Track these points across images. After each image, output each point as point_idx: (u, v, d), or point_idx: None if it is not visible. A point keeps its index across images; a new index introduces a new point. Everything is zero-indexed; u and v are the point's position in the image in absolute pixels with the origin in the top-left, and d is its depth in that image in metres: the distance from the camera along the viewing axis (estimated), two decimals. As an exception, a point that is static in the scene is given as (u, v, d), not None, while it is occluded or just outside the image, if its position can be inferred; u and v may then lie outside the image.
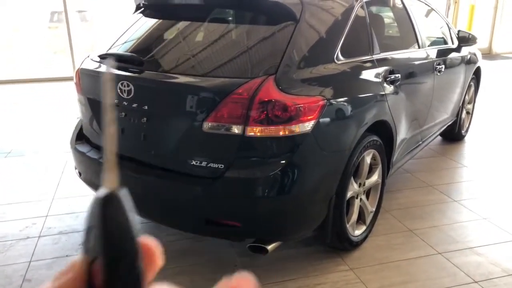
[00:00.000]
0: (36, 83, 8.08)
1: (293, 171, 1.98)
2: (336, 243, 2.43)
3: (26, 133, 5.00)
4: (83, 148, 2.48)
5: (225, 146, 2.00)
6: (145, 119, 2.19)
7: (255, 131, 1.92)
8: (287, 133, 1.93)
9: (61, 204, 3.17)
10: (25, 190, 3.41)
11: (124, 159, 2.36)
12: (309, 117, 1.97)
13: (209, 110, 1.97)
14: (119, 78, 2.22)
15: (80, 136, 2.60)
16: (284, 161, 1.95)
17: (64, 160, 4.04)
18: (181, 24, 2.60)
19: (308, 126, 1.97)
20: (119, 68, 2.30)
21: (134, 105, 2.17)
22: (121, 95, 2.19)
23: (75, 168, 2.67)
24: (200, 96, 2.05)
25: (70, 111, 5.50)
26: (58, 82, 7.64)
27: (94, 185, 2.46)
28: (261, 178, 1.94)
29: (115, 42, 2.60)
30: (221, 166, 1.96)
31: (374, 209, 2.72)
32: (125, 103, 2.19)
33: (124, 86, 2.17)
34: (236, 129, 1.94)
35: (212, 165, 1.99)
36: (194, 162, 2.03)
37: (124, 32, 2.74)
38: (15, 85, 8.02)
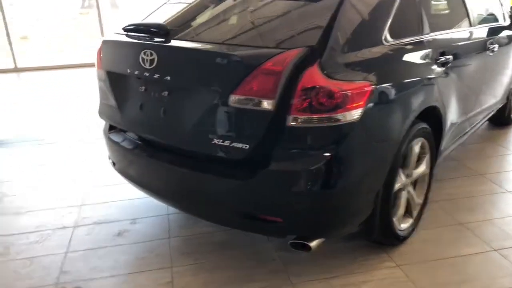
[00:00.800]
0: (68, 69, 8.15)
1: (339, 163, 1.83)
2: (382, 239, 2.28)
3: (60, 120, 5.02)
4: (117, 138, 2.40)
5: (253, 123, 1.84)
6: (166, 92, 2.07)
7: (297, 120, 1.78)
8: (333, 122, 1.78)
9: (95, 193, 3.13)
10: (60, 178, 3.40)
11: (145, 144, 2.29)
12: (356, 105, 1.81)
13: (238, 82, 1.82)
14: (142, 46, 2.11)
15: (113, 125, 2.52)
16: (329, 153, 1.80)
17: (98, 147, 4.02)
18: None
19: (355, 114, 1.81)
20: (142, 38, 2.20)
21: (156, 75, 2.04)
22: (143, 65, 2.07)
23: (109, 158, 2.60)
24: (229, 66, 1.89)
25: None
26: (90, 68, 7.64)
27: (129, 176, 2.38)
28: (305, 171, 1.80)
29: (144, 19, 2.55)
30: (246, 146, 1.82)
31: (421, 201, 2.54)
32: (146, 74, 2.07)
33: (147, 55, 2.06)
34: (266, 104, 1.79)
35: (236, 144, 1.85)
36: (217, 141, 1.89)
37: (153, 12, 2.64)
38: (47, 71, 8.12)
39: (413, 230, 2.49)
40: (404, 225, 2.40)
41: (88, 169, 3.56)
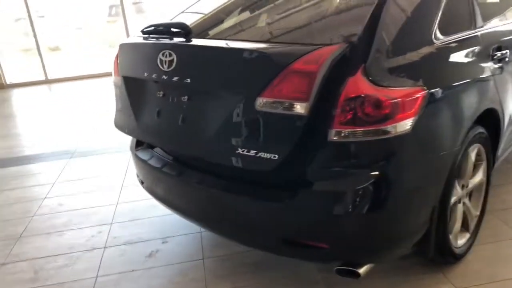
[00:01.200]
0: (97, 79, 8.19)
1: (390, 181, 1.61)
2: (438, 258, 2.04)
3: (89, 131, 4.98)
4: (144, 155, 2.26)
5: (284, 130, 1.64)
6: (185, 97, 1.90)
7: (341, 134, 1.58)
8: (381, 135, 1.57)
9: (124, 210, 3.02)
10: (89, 194, 3.31)
11: (174, 162, 2.14)
12: (408, 114, 1.59)
13: (266, 83, 1.63)
14: (160, 47, 1.95)
15: (140, 141, 2.38)
16: (379, 170, 1.59)
17: (126, 161, 3.93)
18: None
19: (406, 124, 1.59)
20: (162, 39, 2.05)
21: (175, 78, 1.87)
22: (161, 67, 1.91)
23: (137, 176, 2.47)
24: (255, 65, 1.69)
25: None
26: (118, 77, 7.66)
27: (158, 196, 2.23)
28: (352, 192, 1.60)
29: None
30: (275, 157, 1.61)
31: (478, 213, 2.29)
32: (164, 77, 1.91)
33: (165, 57, 1.90)
34: (299, 108, 1.58)
35: (263, 154, 1.65)
36: (241, 151, 1.69)
37: (177, 15, 2.49)
38: (77, 81, 8.18)
39: (470, 246, 2.24)
40: (460, 241, 2.15)
41: (118, 183, 3.46)
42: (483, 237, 2.35)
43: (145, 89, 2.13)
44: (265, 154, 1.65)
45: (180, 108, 1.94)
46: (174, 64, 1.88)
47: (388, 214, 1.64)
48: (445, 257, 2.07)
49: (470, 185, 2.16)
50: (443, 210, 1.87)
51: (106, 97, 6.55)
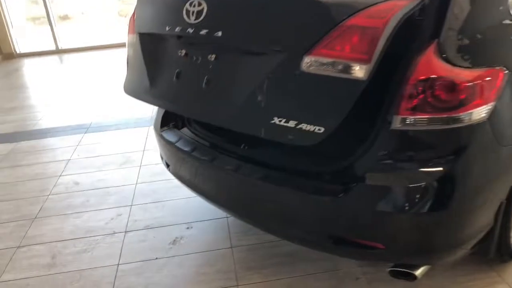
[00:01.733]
0: (110, 49, 7.94)
1: (460, 176, 1.40)
2: (496, 257, 1.85)
3: (104, 104, 4.79)
4: (171, 136, 2.06)
5: (335, 97, 1.38)
6: (213, 56, 1.65)
7: (406, 122, 1.36)
8: (453, 124, 1.35)
9: (145, 190, 2.85)
10: (107, 173, 3.14)
11: (206, 145, 1.93)
12: (485, 99, 1.36)
13: (317, 38, 1.37)
14: None
15: (166, 119, 2.18)
16: (447, 164, 1.38)
17: (144, 135, 3.75)
18: None
19: (483, 111, 1.36)
20: None
21: (203, 31, 1.62)
22: (187, 19, 1.66)
23: (161, 158, 2.28)
24: (305, 15, 1.43)
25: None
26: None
27: (186, 182, 2.04)
28: (416, 188, 1.39)
29: None
30: (320, 130, 1.36)
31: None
32: (190, 30, 1.65)
33: (194, 6, 1.64)
34: (357, 70, 1.32)
35: (305, 126, 1.39)
36: (278, 120, 1.44)
37: None
38: (89, 52, 7.94)
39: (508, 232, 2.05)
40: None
41: (136, 161, 3.29)
42: (538, 232, 2.15)
43: (164, 47, 1.89)
44: (308, 125, 1.38)
45: (205, 69, 1.68)
46: (203, 15, 1.62)
47: (454, 213, 1.43)
48: (503, 256, 1.88)
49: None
50: (509, 206, 1.67)
51: (119, 69, 6.33)
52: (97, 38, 8.47)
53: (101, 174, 3.12)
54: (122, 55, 7.54)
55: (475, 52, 1.42)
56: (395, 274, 1.58)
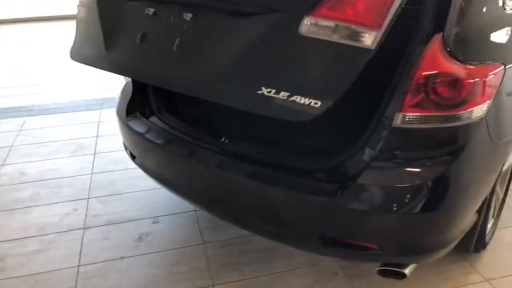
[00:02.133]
0: (49, 22, 7.32)
1: (457, 175, 1.37)
2: (472, 248, 1.88)
3: (48, 84, 4.39)
4: (139, 126, 1.87)
5: (336, 66, 1.23)
6: (189, 15, 1.45)
7: (407, 119, 1.29)
8: (454, 122, 1.30)
9: (102, 181, 2.63)
10: (57, 162, 2.87)
11: (183, 137, 1.75)
12: (486, 96, 1.33)
13: None
14: None
15: (132, 106, 1.98)
16: (446, 162, 1.34)
17: (97, 119, 3.47)
18: None
19: (483, 108, 1.33)
20: None
21: None
22: None
23: (125, 148, 2.08)
24: None
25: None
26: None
27: (157, 176, 1.87)
28: (415, 187, 1.34)
29: None
30: (316, 104, 1.19)
31: (502, 195, 2.14)
32: None
33: None
34: (365, 38, 1.19)
35: (299, 99, 1.21)
36: (266, 91, 1.24)
37: None
38: (27, 24, 7.28)
39: (494, 231, 2.10)
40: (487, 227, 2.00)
41: (90, 147, 3.03)
42: (504, 221, 2.22)
43: (126, 5, 1.68)
44: (302, 98, 1.20)
45: (177, 30, 1.48)
46: None
47: (451, 211, 1.41)
48: (477, 247, 1.91)
49: (505, 168, 1.98)
50: (491, 200, 1.69)
51: (64, 44, 5.85)
52: (37, 8, 7.77)
53: (50, 163, 2.85)
54: (67, 28, 6.97)
55: (479, 47, 1.37)
56: (384, 273, 1.54)
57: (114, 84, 4.13)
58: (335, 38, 1.22)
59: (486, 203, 1.65)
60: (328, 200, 1.39)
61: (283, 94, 1.24)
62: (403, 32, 1.31)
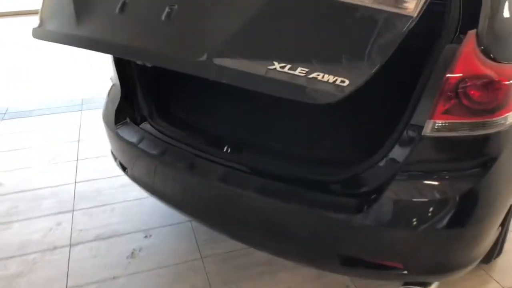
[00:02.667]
0: (22, 17, 6.96)
1: (490, 187, 1.26)
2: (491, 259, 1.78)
3: (23, 84, 4.13)
4: (131, 135, 1.69)
5: (367, 35, 1.03)
6: None
7: (440, 127, 1.17)
8: (488, 129, 1.18)
9: (87, 191, 2.43)
10: (36, 172, 2.65)
11: (182, 147, 1.58)
12: (525, 98, 1.21)
13: None
14: None
15: (121, 111, 1.80)
16: (478, 174, 1.22)
17: (77, 122, 3.26)
18: None
19: (515, 113, 1.22)
20: None
21: None
22: None
23: (115, 158, 1.90)
24: None
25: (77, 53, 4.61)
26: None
27: (153, 190, 1.70)
28: (450, 201, 1.22)
29: None
30: (344, 83, 0.99)
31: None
32: None
33: None
34: (406, 2, 1.02)
35: (322, 76, 1.01)
36: (280, 67, 1.05)
37: None
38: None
39: (505, 235, 2.02)
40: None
41: (71, 154, 2.82)
42: (513, 223, 2.14)
43: None
44: (325, 75, 1.01)
45: None
46: None
47: (481, 226, 1.29)
48: (495, 256, 1.82)
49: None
50: (510, 210, 1.59)
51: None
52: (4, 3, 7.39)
53: (28, 173, 2.63)
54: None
55: (509, 43, 1.25)
56: (407, 291, 1.43)
57: (96, 82, 3.93)
58: (367, 1, 1.04)
59: (509, 214, 1.55)
60: (350, 218, 1.25)
61: (300, 71, 1.03)
62: (428, 28, 1.19)
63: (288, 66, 1.04)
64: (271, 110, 1.67)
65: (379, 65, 0.99)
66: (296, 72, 1.04)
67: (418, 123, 1.19)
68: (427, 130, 1.17)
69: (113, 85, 1.93)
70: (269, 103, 1.57)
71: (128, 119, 1.78)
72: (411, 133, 1.21)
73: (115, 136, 1.74)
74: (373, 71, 0.99)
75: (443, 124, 1.17)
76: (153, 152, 1.59)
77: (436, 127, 1.17)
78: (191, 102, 1.87)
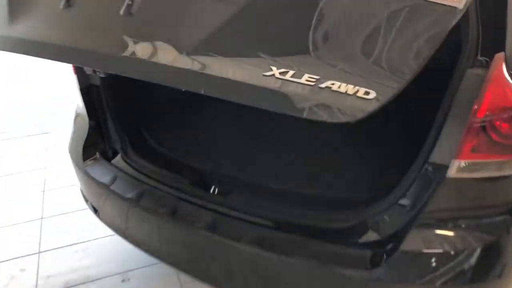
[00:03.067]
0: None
1: None
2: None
3: (24, 84, 3.81)
4: (102, 174, 1.46)
5: (402, 33, 0.83)
6: None
7: (467, 167, 1.00)
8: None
9: (54, 229, 2.18)
10: (-3, 205, 2.38)
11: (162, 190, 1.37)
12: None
13: None
14: None
15: (89, 145, 1.57)
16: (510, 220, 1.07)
17: (43, 143, 2.98)
18: None
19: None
20: None
21: None
22: None
23: (86, 200, 1.67)
24: None
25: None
26: None
27: (128, 236, 1.48)
28: (484, 252, 1.05)
29: None
30: (368, 94, 0.77)
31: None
32: None
33: None
34: None
35: (339, 87, 0.79)
36: (280, 73, 0.82)
37: None
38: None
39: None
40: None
41: (36, 185, 2.55)
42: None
43: None
44: (343, 85, 0.78)
45: None
46: None
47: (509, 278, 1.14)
48: None
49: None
50: None
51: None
52: None
53: (-11, 207, 2.36)
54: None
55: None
56: None
57: (62, 99, 3.63)
58: None
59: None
60: (364, 275, 1.07)
61: (308, 78, 0.80)
62: (444, 49, 1.02)
63: (291, 72, 0.81)
64: (266, 141, 1.48)
65: (415, 71, 0.78)
66: (302, 80, 0.80)
67: (439, 161, 1.03)
68: (452, 171, 1.01)
69: (77, 114, 1.70)
70: (263, 133, 1.38)
71: (98, 155, 1.55)
72: (430, 172, 1.04)
73: (83, 175, 1.52)
74: (408, 79, 0.77)
75: (470, 163, 1.00)
76: (127, 195, 1.37)
77: (462, 167, 1.00)
78: (170, 132, 1.66)
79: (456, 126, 0.99)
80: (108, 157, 1.55)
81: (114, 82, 1.56)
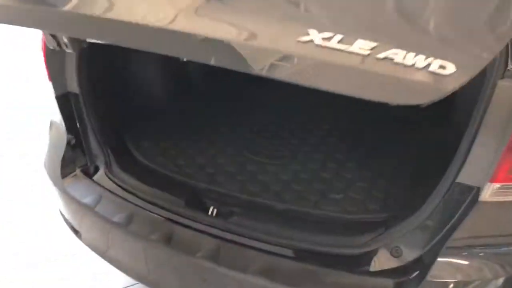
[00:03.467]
0: None
1: None
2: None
3: (24, 84, 3.63)
4: (84, 194, 1.31)
5: None
6: None
7: (502, 191, 0.90)
8: None
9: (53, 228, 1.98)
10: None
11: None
12: None
13: None
14: None
15: (69, 159, 1.40)
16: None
17: (43, 147, 2.77)
18: None
19: None
20: None
21: None
22: None
23: (65, 220, 1.51)
24: None
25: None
26: None
27: (111, 260, 1.33)
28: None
29: None
30: (445, 69, 0.58)
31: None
32: None
33: None
34: None
35: (409, 59, 0.61)
36: (322, 38, 0.65)
37: None
38: None
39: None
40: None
41: (37, 185, 2.35)
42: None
43: None
44: (410, 55, 0.62)
45: None
46: None
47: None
48: None
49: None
50: None
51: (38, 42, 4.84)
52: None
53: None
54: None
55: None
56: None
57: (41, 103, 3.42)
58: None
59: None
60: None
61: (362, 46, 0.63)
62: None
63: (337, 37, 0.63)
64: (270, 154, 1.35)
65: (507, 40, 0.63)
66: (353, 49, 0.63)
67: (469, 182, 0.92)
68: (487, 194, 0.90)
69: (52, 124, 1.53)
70: (267, 144, 1.25)
71: (78, 171, 1.39)
72: (458, 193, 0.93)
73: (62, 193, 1.35)
74: (499, 50, 0.63)
75: (506, 186, 0.90)
76: (111, 217, 1.22)
77: (496, 190, 0.90)
78: (160, 144, 1.50)
79: (491, 144, 0.88)
80: (89, 174, 1.39)
81: (94, 87, 1.41)
